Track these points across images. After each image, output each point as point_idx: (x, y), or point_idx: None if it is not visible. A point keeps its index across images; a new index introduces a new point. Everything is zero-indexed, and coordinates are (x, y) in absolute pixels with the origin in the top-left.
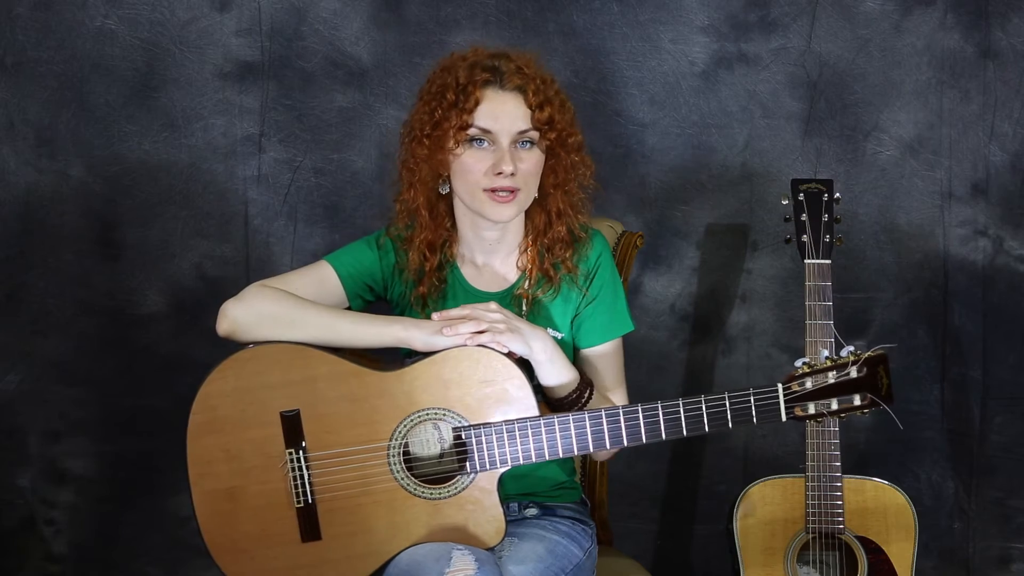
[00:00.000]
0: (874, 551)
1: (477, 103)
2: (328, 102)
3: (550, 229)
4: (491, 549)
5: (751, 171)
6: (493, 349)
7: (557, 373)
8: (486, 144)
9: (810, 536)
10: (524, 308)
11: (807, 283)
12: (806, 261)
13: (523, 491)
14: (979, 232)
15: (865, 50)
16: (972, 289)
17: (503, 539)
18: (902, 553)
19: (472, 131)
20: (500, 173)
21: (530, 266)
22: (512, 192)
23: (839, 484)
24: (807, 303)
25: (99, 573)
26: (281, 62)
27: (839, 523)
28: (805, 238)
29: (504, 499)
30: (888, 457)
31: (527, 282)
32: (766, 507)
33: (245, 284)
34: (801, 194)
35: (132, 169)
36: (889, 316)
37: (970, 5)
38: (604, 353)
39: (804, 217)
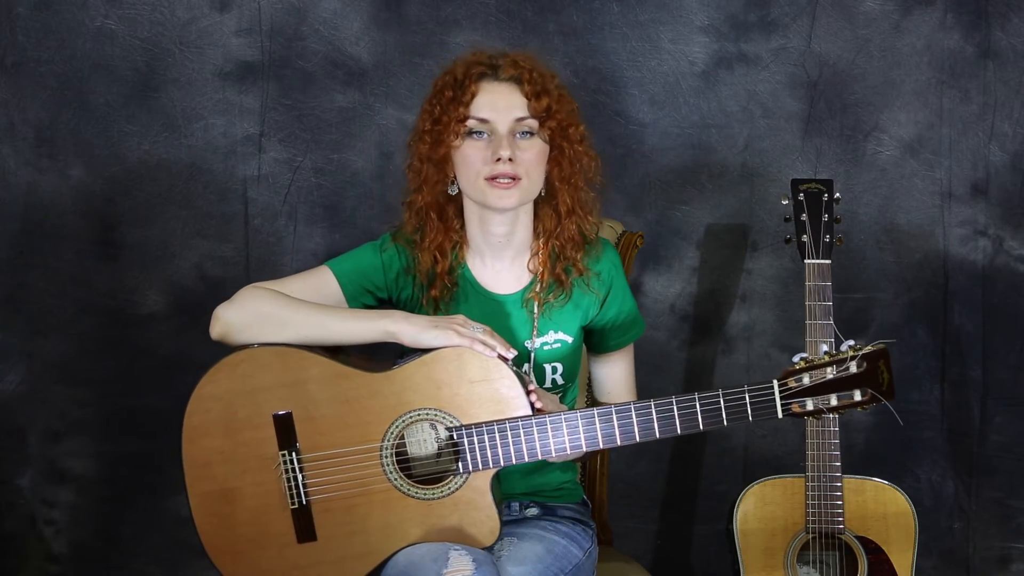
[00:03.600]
0: (874, 551)
1: (473, 96)
2: (328, 102)
3: (560, 228)
4: (488, 549)
5: (751, 171)
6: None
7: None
8: (485, 135)
9: (810, 536)
10: (536, 310)
11: (807, 283)
12: (806, 261)
13: (528, 490)
14: (979, 232)
15: (865, 50)
16: (972, 289)
17: (501, 539)
18: (902, 553)
19: (470, 123)
20: (499, 159)
21: (541, 269)
22: (514, 179)
23: (839, 484)
24: (807, 303)
25: (99, 573)
26: (281, 62)
27: (839, 523)
28: (805, 238)
29: (506, 497)
30: (888, 457)
31: (538, 285)
32: (766, 507)
33: (245, 284)
34: (801, 194)
35: (132, 169)
36: (889, 316)
37: (970, 5)
38: (620, 358)
39: (804, 217)
